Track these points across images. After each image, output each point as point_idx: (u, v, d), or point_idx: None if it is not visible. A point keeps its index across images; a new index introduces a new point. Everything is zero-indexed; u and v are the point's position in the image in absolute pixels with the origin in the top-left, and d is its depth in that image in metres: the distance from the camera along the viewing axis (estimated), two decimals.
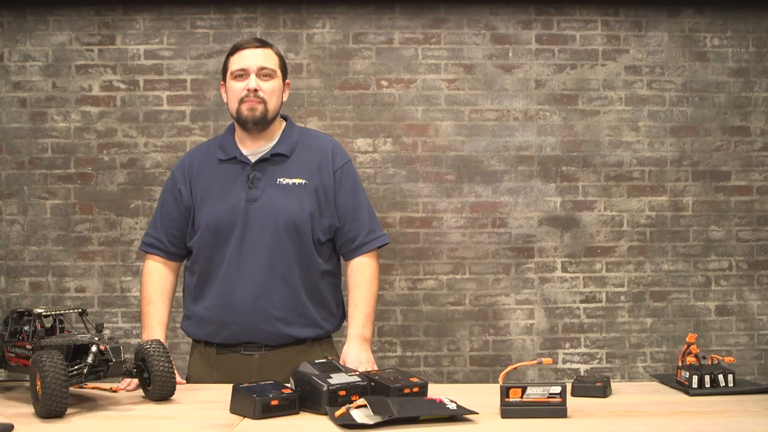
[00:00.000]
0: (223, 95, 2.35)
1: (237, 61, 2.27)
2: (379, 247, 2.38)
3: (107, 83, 3.79)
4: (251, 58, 2.26)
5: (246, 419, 1.72)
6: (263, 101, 2.25)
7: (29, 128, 3.78)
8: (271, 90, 2.27)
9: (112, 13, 3.77)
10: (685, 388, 1.98)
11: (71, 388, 1.80)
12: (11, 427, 1.61)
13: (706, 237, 3.85)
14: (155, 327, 2.29)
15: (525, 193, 3.82)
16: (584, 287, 3.82)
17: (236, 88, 2.26)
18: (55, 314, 1.90)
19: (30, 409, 1.76)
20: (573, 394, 1.93)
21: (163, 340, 2.23)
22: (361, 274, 2.33)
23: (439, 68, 3.82)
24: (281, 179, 2.27)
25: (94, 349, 1.79)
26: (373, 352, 2.34)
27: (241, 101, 2.25)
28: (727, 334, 3.84)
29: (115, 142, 3.79)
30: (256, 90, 2.24)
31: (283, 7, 3.78)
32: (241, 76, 2.26)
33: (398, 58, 3.81)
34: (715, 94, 3.85)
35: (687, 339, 2.04)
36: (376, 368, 2.15)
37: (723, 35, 3.85)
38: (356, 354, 2.23)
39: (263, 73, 2.26)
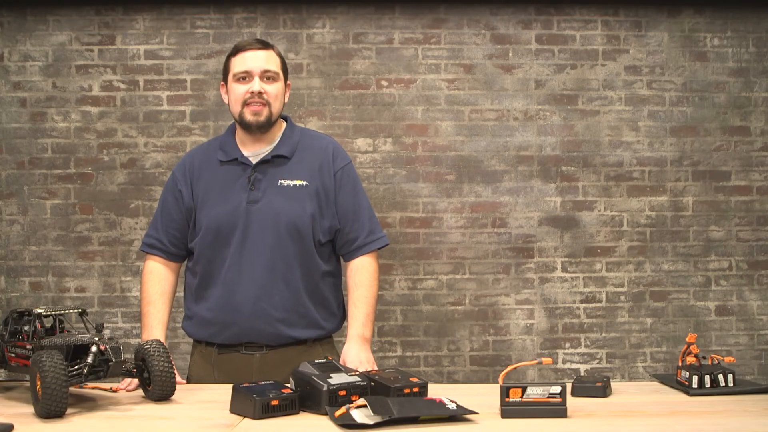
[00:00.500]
0: (224, 96, 2.35)
1: (239, 63, 2.26)
2: (379, 249, 2.38)
3: (107, 83, 3.79)
4: (254, 60, 2.25)
5: (246, 419, 1.72)
6: (267, 104, 2.25)
7: (29, 128, 3.78)
8: (275, 93, 2.27)
9: (112, 13, 3.77)
10: (685, 388, 1.98)
11: (71, 388, 1.80)
12: (11, 427, 1.61)
13: (706, 237, 3.85)
14: (155, 327, 2.29)
15: (525, 193, 3.82)
16: (584, 287, 3.82)
17: (239, 91, 2.26)
18: (55, 314, 1.90)
19: (30, 409, 1.76)
20: (573, 394, 1.93)
21: (163, 340, 2.23)
22: (362, 275, 2.33)
23: (439, 68, 3.82)
24: (282, 181, 2.27)
25: (94, 349, 1.79)
26: (373, 352, 2.34)
27: (245, 104, 2.25)
28: (727, 334, 3.84)
29: (115, 142, 3.79)
30: (260, 93, 2.24)
31: (283, 7, 3.78)
32: (243, 78, 2.26)
33: (398, 58, 3.81)
34: (715, 94, 3.85)
35: (687, 339, 2.04)
36: (376, 368, 2.16)
37: (723, 35, 3.85)
38: (356, 354, 2.23)
39: (266, 76, 2.26)
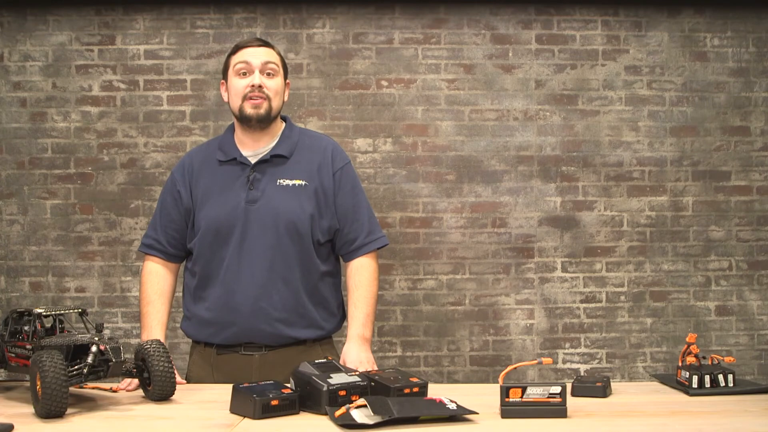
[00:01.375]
0: (224, 94, 2.35)
1: (240, 58, 2.27)
2: (378, 249, 2.38)
3: (107, 83, 3.79)
4: (254, 55, 2.26)
5: (246, 419, 1.72)
6: (267, 98, 2.25)
7: (29, 128, 3.78)
8: (275, 87, 2.27)
9: (112, 13, 3.77)
10: (685, 388, 1.98)
11: (71, 388, 1.80)
12: (11, 427, 1.61)
13: (706, 237, 3.85)
14: (155, 327, 2.29)
15: (525, 193, 3.82)
16: (584, 287, 3.82)
17: (239, 85, 2.25)
18: (55, 314, 1.90)
19: (30, 409, 1.76)
20: (573, 394, 1.93)
21: (162, 340, 2.23)
22: (361, 275, 2.33)
23: (439, 68, 3.82)
24: (281, 180, 2.27)
25: (94, 349, 1.79)
26: (373, 352, 2.34)
27: (245, 98, 2.25)
28: (727, 334, 3.84)
29: (115, 142, 3.79)
30: (260, 86, 2.24)
31: (283, 7, 3.79)
32: (244, 73, 2.26)
33: (398, 58, 3.81)
34: (715, 94, 3.85)
35: (687, 339, 2.04)
36: (376, 368, 2.15)
37: (723, 35, 3.85)
38: (356, 354, 2.23)
39: (267, 70, 2.26)
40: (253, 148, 2.31)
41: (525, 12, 3.82)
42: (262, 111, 2.25)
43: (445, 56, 3.82)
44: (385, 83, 3.81)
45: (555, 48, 3.83)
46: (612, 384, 2.03)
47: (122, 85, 3.79)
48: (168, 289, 2.36)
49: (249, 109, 2.24)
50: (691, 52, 3.85)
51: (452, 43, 3.82)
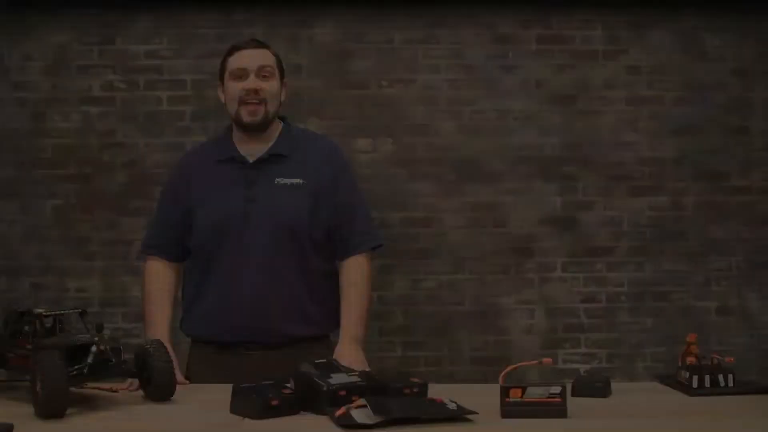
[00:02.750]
0: (221, 96, 2.35)
1: (235, 61, 2.27)
2: (373, 249, 2.38)
3: (107, 83, 3.78)
4: (250, 57, 2.26)
5: (246, 419, 1.72)
6: (263, 102, 2.25)
7: (29, 128, 3.78)
8: (271, 90, 2.27)
9: (112, 13, 3.77)
10: (685, 388, 1.98)
11: (71, 388, 1.80)
12: (11, 427, 1.61)
13: (706, 237, 3.84)
14: (159, 327, 2.30)
15: (525, 193, 3.82)
16: (584, 287, 3.82)
17: (235, 89, 2.26)
18: (55, 314, 1.91)
19: (30, 409, 1.76)
20: (573, 394, 1.93)
21: (166, 339, 2.24)
22: (354, 276, 2.33)
23: (439, 68, 3.81)
24: (279, 179, 2.28)
25: (94, 349, 1.79)
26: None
27: (241, 102, 2.25)
28: (727, 334, 3.83)
29: (115, 142, 3.79)
30: (256, 91, 2.24)
31: (283, 7, 3.78)
32: (240, 77, 2.26)
33: (398, 58, 3.81)
34: (715, 94, 3.84)
35: (687, 339, 2.05)
36: (368, 369, 2.16)
37: (723, 35, 3.84)
38: (348, 354, 2.23)
39: (263, 73, 2.26)
40: (251, 147, 2.31)
41: (525, 12, 3.82)
42: (258, 118, 2.26)
43: (445, 56, 3.82)
44: (385, 83, 3.81)
45: (555, 48, 3.82)
46: (612, 384, 2.02)
47: (122, 85, 3.79)
48: (170, 288, 2.37)
49: (246, 117, 2.25)
50: (691, 52, 3.84)
51: (452, 43, 3.82)
